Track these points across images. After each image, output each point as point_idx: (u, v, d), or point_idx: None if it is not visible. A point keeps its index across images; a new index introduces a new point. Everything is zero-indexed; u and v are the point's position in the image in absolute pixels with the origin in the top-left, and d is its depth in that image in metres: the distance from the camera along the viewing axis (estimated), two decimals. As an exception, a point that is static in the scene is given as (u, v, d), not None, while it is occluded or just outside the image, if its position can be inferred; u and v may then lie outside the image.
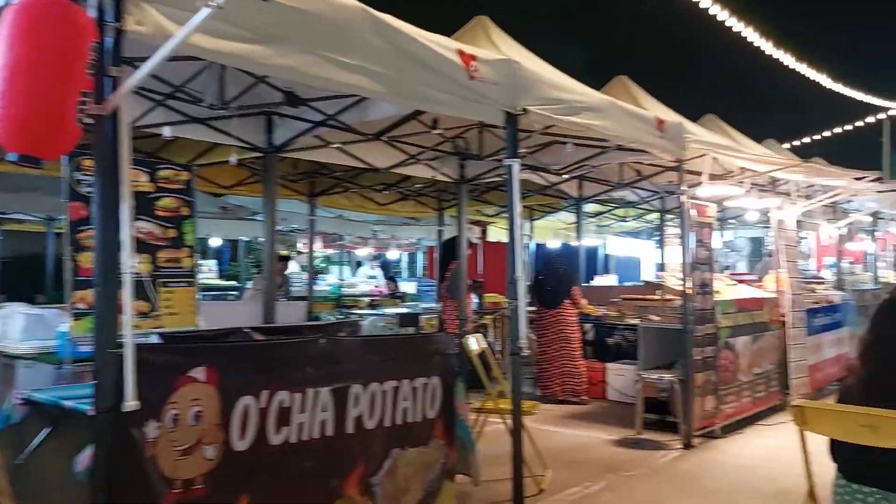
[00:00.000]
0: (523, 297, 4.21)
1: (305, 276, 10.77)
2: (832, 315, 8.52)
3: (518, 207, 4.28)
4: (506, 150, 4.41)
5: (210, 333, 3.82)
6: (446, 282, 8.62)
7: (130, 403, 2.52)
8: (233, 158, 4.87)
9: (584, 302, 8.06)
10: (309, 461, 3.27)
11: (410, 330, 8.79)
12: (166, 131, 4.80)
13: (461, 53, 3.89)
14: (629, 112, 5.26)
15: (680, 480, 5.09)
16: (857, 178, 7.42)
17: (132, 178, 2.70)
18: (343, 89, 3.71)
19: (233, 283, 13.70)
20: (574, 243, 10.83)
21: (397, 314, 9.36)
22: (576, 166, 7.18)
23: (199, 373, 2.85)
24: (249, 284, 10.75)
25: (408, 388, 3.75)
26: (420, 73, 3.67)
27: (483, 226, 12.70)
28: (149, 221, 4.36)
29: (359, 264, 17.57)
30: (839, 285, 9.49)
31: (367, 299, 12.09)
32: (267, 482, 3.11)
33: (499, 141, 6.37)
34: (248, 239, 12.95)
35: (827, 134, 20.64)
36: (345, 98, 4.87)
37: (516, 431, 4.29)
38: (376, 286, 14.14)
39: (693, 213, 5.99)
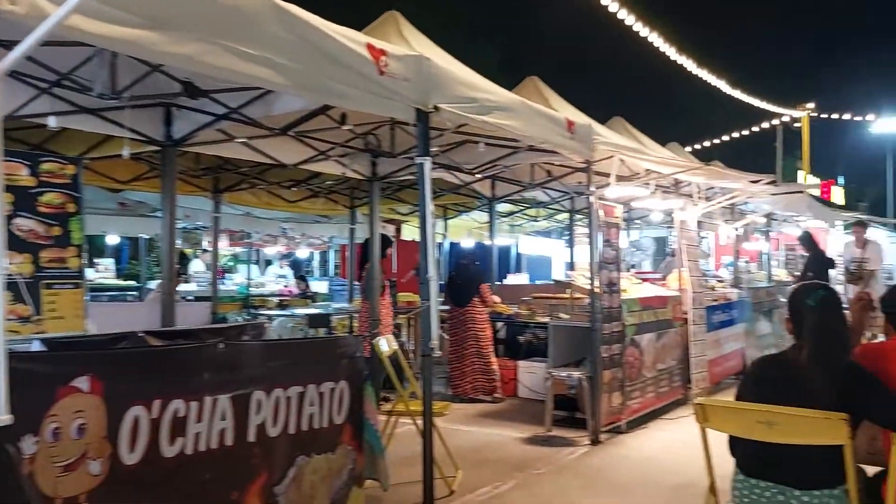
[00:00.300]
0: (435, 298, 4.15)
1: (210, 275, 10.35)
2: (730, 312, 8.90)
3: (430, 206, 4.21)
4: (416, 147, 4.33)
5: (99, 339, 3.56)
6: (363, 281, 8.47)
7: (3, 417, 2.29)
8: (125, 152, 4.57)
9: (494, 299, 8.09)
10: (207, 473, 3.10)
11: (322, 331, 8.59)
12: (51, 121, 4.44)
13: (371, 48, 3.79)
14: (540, 113, 5.29)
15: (587, 476, 5.17)
16: (753, 181, 7.77)
17: (10, 172, 2.46)
18: (246, 81, 3.53)
19: (132, 283, 13.04)
20: (487, 242, 10.90)
21: (307, 315, 9.13)
22: (488, 166, 7.19)
23: (82, 382, 2.64)
24: (153, 284, 10.25)
25: (314, 394, 3.62)
26: (328, 66, 3.54)
27: (397, 224, 12.60)
28: (30, 218, 4.04)
29: (268, 263, 17.10)
30: (736, 283, 9.93)
31: (276, 299, 11.74)
32: (160, 497, 2.92)
33: (411, 138, 6.27)
34: (148, 236, 12.35)
35: (725, 138, 21.73)
36: (249, 91, 4.66)
37: (427, 433, 4.22)
38: (286, 286, 13.78)
39: (601, 213, 6.10)
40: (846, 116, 25.28)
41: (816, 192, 12.69)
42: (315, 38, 3.44)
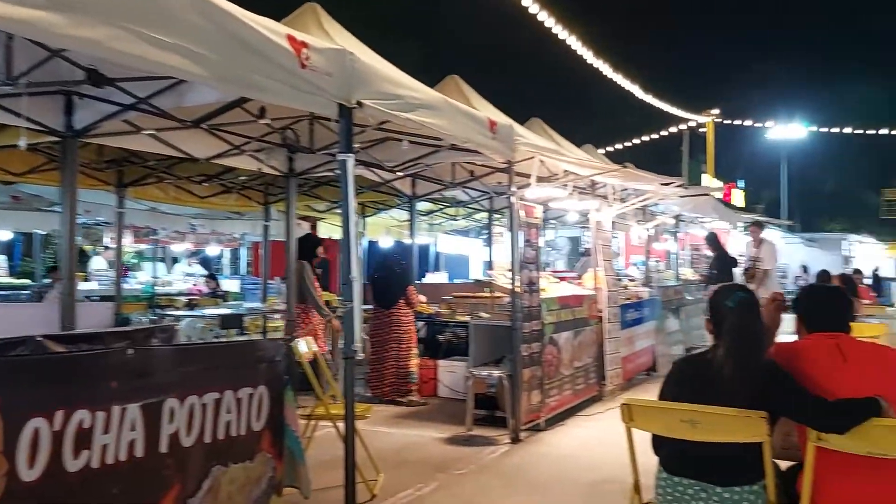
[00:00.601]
0: (359, 299, 4.04)
1: (114, 273, 9.83)
2: (641, 310, 9.19)
3: (353, 204, 4.11)
4: (339, 144, 4.21)
5: (-9, 344, 3.28)
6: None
7: None
8: (22, 142, 4.22)
9: (420, 300, 8.02)
10: (114, 487, 2.88)
11: (233, 332, 8.29)
12: (-63, 108, 4.07)
13: (292, 39, 3.64)
14: (463, 112, 5.26)
15: (508, 475, 5.19)
16: (665, 184, 8.03)
17: None
18: (160, 70, 3.31)
19: (26, 281, 12.24)
20: (407, 241, 10.84)
21: (219, 315, 8.80)
22: (410, 164, 7.12)
23: (-27, 394, 2.40)
24: (57, 285, 9.62)
25: (231, 400, 3.45)
26: (246, 57, 3.38)
27: (312, 221, 12.35)
28: None
29: (175, 261, 16.43)
30: (647, 282, 10.26)
31: (184, 299, 11.30)
32: (63, 515, 2.70)
33: (331, 134, 6.15)
34: (44, 232, 11.61)
35: (636, 141, 22.50)
36: (159, 80, 4.41)
37: (349, 437, 4.12)
38: (195, 284, 13.28)
39: (522, 213, 6.15)
40: (747, 123, 26.67)
41: (720, 195, 13.27)
42: (234, 28, 3.27)
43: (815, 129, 29.39)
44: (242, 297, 12.20)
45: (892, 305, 13.84)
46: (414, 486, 4.87)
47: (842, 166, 40.76)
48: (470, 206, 11.21)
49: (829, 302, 3.00)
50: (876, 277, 21.74)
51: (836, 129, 27.75)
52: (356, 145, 5.82)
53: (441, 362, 7.88)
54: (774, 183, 34.89)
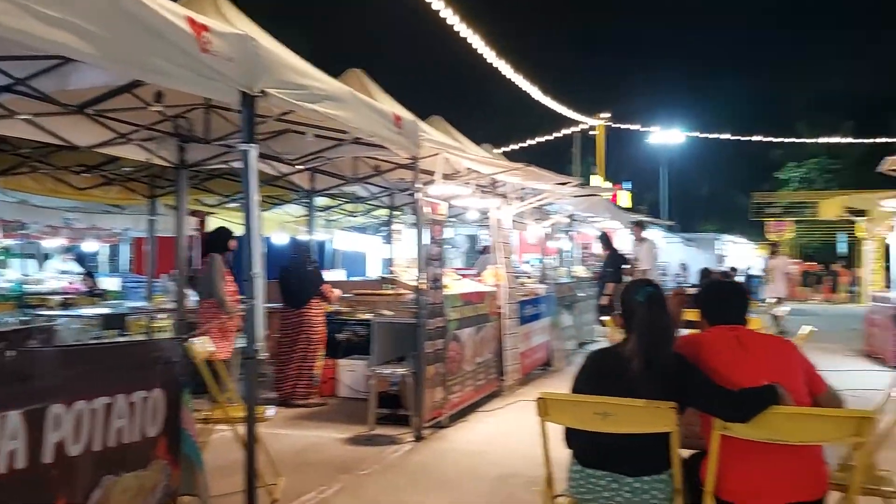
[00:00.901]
0: (261, 295, 3.87)
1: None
2: (538, 306, 9.39)
3: (255, 197, 3.93)
4: (239, 133, 4.02)
5: None
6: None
7: None
8: None
9: (336, 294, 7.80)
10: (-8, 503, 2.62)
11: (115, 332, 7.79)
12: None
13: (192, 22, 3.44)
14: (369, 105, 5.17)
15: (413, 473, 5.15)
16: (562, 184, 8.24)
17: None
18: (44, 47, 3.02)
19: None
20: (303, 237, 10.56)
21: (99, 315, 8.23)
22: (310, 157, 6.93)
23: None
24: None
25: (124, 404, 3.21)
26: (143, 37, 3.15)
27: (201, 217, 11.82)
28: None
29: (47, 257, 15.28)
30: (543, 279, 10.50)
31: (57, 297, 10.50)
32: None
33: (226, 124, 5.88)
34: None
35: (532, 142, 23.04)
36: (39, 60, 4.07)
37: (250, 441, 3.94)
38: (70, 282, 12.38)
39: (427, 210, 6.12)
40: (634, 127, 27.95)
41: (609, 196, 13.79)
42: (129, 6, 3.04)
43: (692, 134, 31.13)
44: (123, 296, 11.47)
45: (763, 301, 14.85)
46: (316, 489, 4.74)
47: (716, 170, 43.53)
48: (370, 202, 11.07)
49: (729, 297, 3.15)
50: (748, 276, 23.32)
51: (711, 136, 29.47)
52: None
53: (341, 361, 7.72)
54: (656, 185, 36.78)
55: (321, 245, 13.06)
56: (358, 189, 9.67)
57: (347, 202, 10.65)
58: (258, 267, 3.90)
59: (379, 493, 4.74)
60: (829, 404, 2.83)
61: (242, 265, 3.99)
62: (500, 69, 15.08)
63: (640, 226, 11.36)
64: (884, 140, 25.56)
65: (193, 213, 11.01)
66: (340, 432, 6.24)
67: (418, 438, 5.97)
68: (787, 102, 41.14)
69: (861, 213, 11.48)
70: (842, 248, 30.78)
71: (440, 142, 6.28)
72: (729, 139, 29.06)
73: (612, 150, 31.99)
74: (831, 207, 10.62)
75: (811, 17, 51.43)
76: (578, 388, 2.99)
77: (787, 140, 31.41)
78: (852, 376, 9.21)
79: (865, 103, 37.57)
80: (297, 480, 4.87)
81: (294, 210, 11.76)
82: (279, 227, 12.44)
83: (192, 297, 8.71)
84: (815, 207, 27.12)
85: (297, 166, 7.27)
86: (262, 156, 6.79)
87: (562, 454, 3.03)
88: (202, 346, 4.68)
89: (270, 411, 4.75)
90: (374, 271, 13.82)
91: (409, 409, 6.23)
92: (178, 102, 5.54)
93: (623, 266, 11.15)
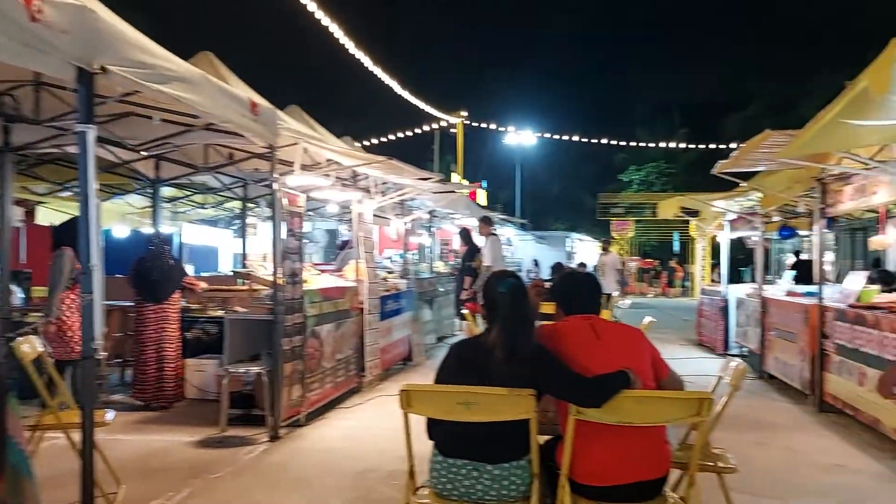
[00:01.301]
0: (100, 289, 3.56)
1: None
2: (399, 301, 9.40)
3: (93, 184, 3.60)
4: (74, 114, 3.67)
5: None
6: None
7: None
8: None
9: (202, 286, 7.34)
10: None
11: None
12: None
13: (20, -15, 3.09)
14: (223, 90, 4.90)
15: (269, 474, 4.96)
16: (424, 178, 8.27)
17: None
18: None
19: None
20: (146, 230, 9.92)
21: None
22: (156, 143, 6.48)
23: None
24: None
25: (-66, 412, 2.83)
26: (-41, 0, 2.80)
27: (28, 206, 10.79)
28: None
29: None
30: (404, 274, 10.52)
31: None
32: None
33: (60, 104, 5.37)
34: None
35: (392, 137, 23.01)
36: None
37: (86, 447, 3.62)
38: None
39: (285, 202, 5.92)
40: (491, 126, 28.72)
41: (468, 192, 14.04)
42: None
43: (543, 136, 32.48)
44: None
45: (609, 295, 15.71)
46: (164, 496, 4.45)
47: (566, 172, 45.76)
48: (221, 193, 10.57)
49: (583, 287, 3.27)
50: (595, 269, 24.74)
51: (560, 137, 30.90)
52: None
53: (189, 361, 7.29)
54: (511, 185, 38.07)
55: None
56: (209, 179, 9.20)
57: (197, 193, 10.08)
58: (96, 259, 3.59)
59: (232, 497, 4.52)
60: (672, 387, 3.02)
61: (80, 258, 3.66)
62: (360, 61, 14.89)
63: (486, 222, 11.26)
64: (714, 146, 27.97)
65: (19, 203, 10.03)
66: (190, 435, 5.91)
67: (274, 438, 5.77)
68: (630, 109, 44.01)
69: (695, 213, 12.47)
70: (676, 246, 33.34)
71: (299, 131, 6.08)
72: (578, 142, 30.60)
73: (470, 150, 32.73)
74: (669, 207, 11.45)
75: (651, 29, 55.29)
76: (442, 379, 2.99)
77: (628, 144, 33.54)
78: (687, 363, 9.99)
79: (697, 112, 40.95)
80: (141, 488, 4.55)
81: (136, 200, 11.02)
82: (120, 218, 11.62)
83: (18, 295, 7.93)
84: (654, 208, 29.23)
85: (141, 153, 6.78)
86: (102, 140, 6.29)
87: (424, 447, 3.03)
88: (30, 346, 4.26)
89: (109, 415, 4.40)
90: (226, 267, 13.23)
91: (264, 409, 6.00)
92: (2, 78, 5.00)
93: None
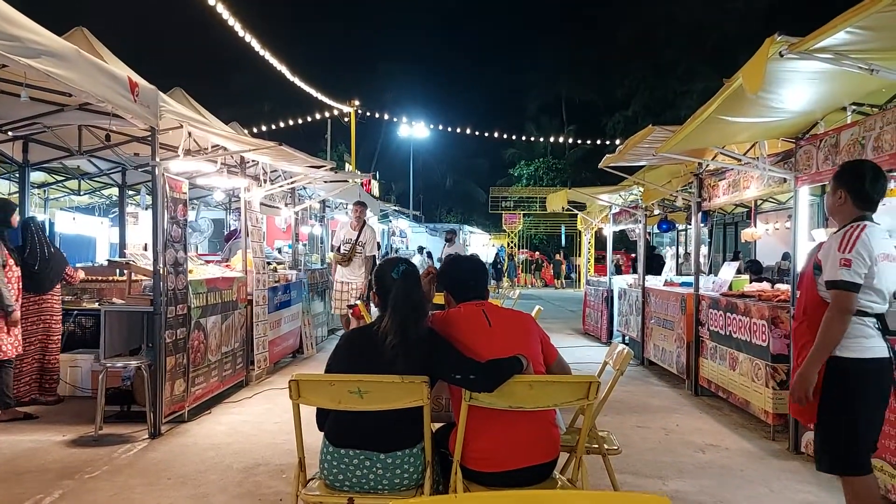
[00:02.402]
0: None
1: None
2: (289, 293, 9.19)
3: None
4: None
5: None
6: None
7: None
8: None
9: (80, 276, 6.85)
10: None
11: None
12: None
13: None
14: (99, 67, 4.60)
15: (149, 472, 4.72)
16: (315, 167, 8.09)
17: None
18: None
19: None
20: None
21: None
22: (24, 123, 6.02)
23: None
24: None
25: None
26: None
27: None
28: None
29: None
30: (295, 265, 10.29)
31: None
32: None
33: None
34: None
35: (282, 125, 22.36)
36: None
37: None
38: None
39: (168, 188, 5.63)
40: (385, 116, 28.56)
41: (362, 181, 13.87)
42: None
43: (436, 128, 32.58)
44: None
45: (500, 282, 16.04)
46: (32, 499, 4.14)
47: (459, 166, 46.30)
48: (97, 179, 9.96)
49: (471, 274, 3.28)
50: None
51: (453, 130, 31.14)
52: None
53: (63, 356, 6.83)
54: (404, 178, 38.10)
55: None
56: (84, 163, 8.64)
57: (70, 178, 9.45)
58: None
59: (108, 497, 4.26)
60: (560, 372, 3.11)
61: None
62: (248, 44, 14.34)
63: (362, 206, 10.54)
64: (599, 142, 29.11)
65: None
66: (61, 434, 5.54)
67: (155, 435, 5.50)
68: (521, 107, 45.01)
69: (582, 206, 12.92)
70: (563, 240, 34.50)
71: (184, 114, 5.80)
72: (471, 135, 30.96)
73: (363, 142, 32.51)
74: (557, 200, 11.80)
75: (541, 28, 56.67)
76: (333, 368, 2.93)
77: (519, 137, 34.31)
78: (574, 351, 10.37)
79: (583, 110, 42.49)
80: (8, 491, 4.23)
81: (2, 186, 10.22)
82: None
83: None
84: (543, 202, 30.08)
85: (7, 133, 6.27)
86: (-40, 118, 5.80)
87: (314, 439, 2.97)
88: None
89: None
90: (103, 258, 12.47)
91: (143, 405, 5.71)
92: None
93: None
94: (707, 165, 7.02)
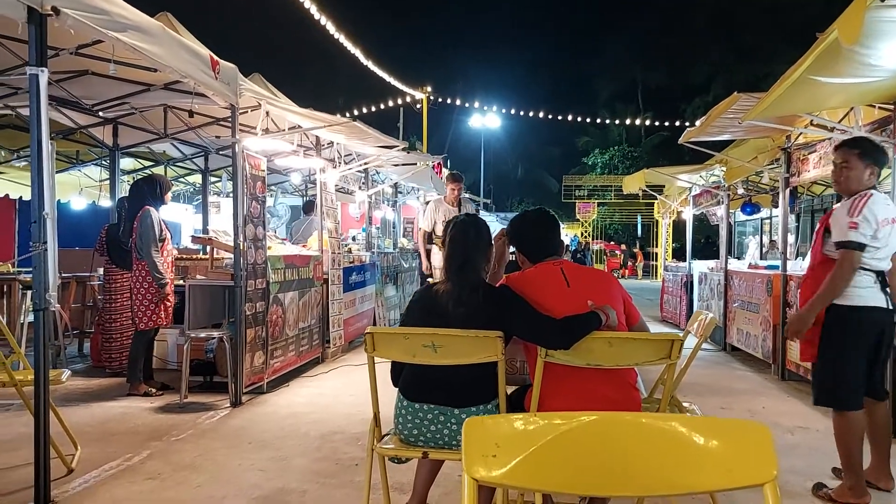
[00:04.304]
0: (53, 240, 3.42)
1: None
2: (363, 274, 9.30)
3: (46, 125, 3.45)
4: (28, 57, 3.50)
5: None
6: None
7: None
8: None
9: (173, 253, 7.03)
10: None
11: None
12: None
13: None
14: (182, 43, 4.73)
15: (231, 436, 4.86)
16: (388, 146, 8.14)
17: None
18: None
19: None
20: (104, 203, 9.61)
21: None
22: (114, 103, 6.27)
23: None
24: None
25: None
26: None
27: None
28: None
29: None
30: (369, 248, 10.41)
31: None
32: None
33: (11, 57, 5.15)
34: None
35: (356, 112, 22.65)
36: None
37: (40, 404, 3.49)
38: None
39: (247, 165, 5.76)
40: (457, 102, 28.56)
41: (434, 164, 13.85)
42: None
43: (509, 112, 32.23)
44: None
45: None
46: (122, 457, 4.32)
47: (530, 154, 45.88)
48: (181, 164, 10.31)
49: (542, 231, 3.18)
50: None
51: (525, 114, 30.75)
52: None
53: (150, 331, 7.12)
54: (474, 166, 38.04)
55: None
56: (168, 148, 8.96)
57: (156, 165, 9.82)
58: (50, 206, 3.44)
59: (192, 457, 4.40)
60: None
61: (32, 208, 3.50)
62: (324, 28, 14.51)
63: (458, 179, 10.03)
64: (678, 124, 28.20)
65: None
66: (149, 402, 5.78)
67: (236, 404, 5.66)
68: (595, 93, 44.20)
69: (660, 190, 12.57)
70: (640, 229, 33.77)
71: (262, 93, 5.93)
72: (542, 125, 30.62)
73: (434, 131, 32.55)
74: (634, 182, 11.50)
75: (617, 13, 55.40)
76: (407, 323, 2.93)
77: (593, 121, 33.59)
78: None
79: (660, 95, 41.33)
80: (99, 450, 4.44)
81: (94, 173, 10.71)
82: (76, 190, 11.29)
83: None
84: (618, 190, 29.48)
85: (98, 114, 6.55)
86: (57, 100, 6.09)
87: (389, 398, 2.97)
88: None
89: (65, 374, 4.25)
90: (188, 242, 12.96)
91: (225, 376, 5.88)
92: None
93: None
94: (797, 137, 6.68)
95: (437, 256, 7.99)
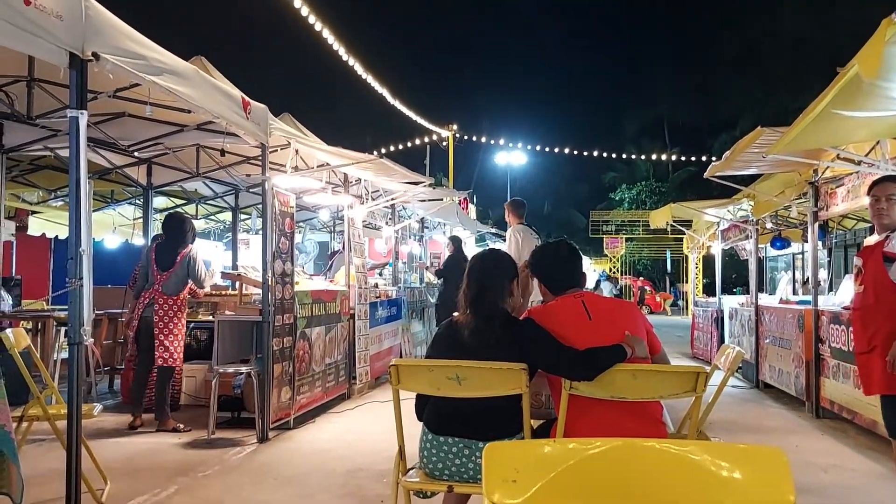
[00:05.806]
0: (89, 274, 3.52)
1: None
2: (389, 308, 9.34)
3: (84, 165, 3.57)
4: (68, 109, 3.64)
5: None
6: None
7: None
8: None
9: (203, 290, 6.98)
10: None
11: None
12: None
13: (13, -32, 3.09)
14: (215, 85, 4.91)
15: (257, 472, 4.88)
16: (413, 183, 8.26)
17: None
18: None
19: None
20: (138, 241, 9.85)
21: None
22: (148, 144, 6.47)
23: None
24: None
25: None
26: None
27: (21, 221, 10.73)
28: None
29: None
30: (395, 282, 10.46)
31: None
32: None
33: (52, 101, 5.37)
34: None
35: (383, 150, 22.99)
36: None
37: (73, 438, 3.55)
38: None
39: (276, 202, 5.89)
40: (483, 139, 28.82)
41: (459, 199, 13.95)
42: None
43: (535, 148, 32.35)
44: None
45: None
46: (151, 492, 4.36)
47: (556, 191, 45.91)
48: (212, 202, 10.53)
49: (565, 263, 3.20)
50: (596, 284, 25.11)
51: (553, 150, 30.83)
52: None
53: (179, 366, 7.21)
54: (500, 203, 38.20)
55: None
56: (200, 186, 9.17)
57: (187, 202, 10.05)
58: (86, 243, 3.55)
59: (219, 493, 4.43)
60: (662, 363, 2.99)
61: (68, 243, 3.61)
62: (352, 67, 14.82)
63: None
64: (704, 158, 28.05)
65: (10, 217, 10.00)
66: (177, 438, 5.83)
67: (263, 440, 5.69)
68: (621, 130, 44.28)
69: (688, 225, 12.52)
70: (669, 265, 33.42)
71: (291, 132, 6.08)
72: (569, 162, 30.66)
73: (461, 169, 32.87)
74: (661, 216, 11.48)
75: (642, 48, 55.66)
76: (432, 356, 2.95)
77: (620, 157, 33.57)
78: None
79: (687, 131, 41.28)
80: (127, 485, 4.48)
81: (128, 212, 11.00)
82: (111, 229, 11.58)
83: (7, 301, 7.86)
84: (646, 225, 29.31)
85: (133, 154, 6.76)
86: (94, 142, 6.31)
87: (415, 431, 2.98)
88: (15, 336, 4.20)
89: (97, 408, 4.32)
90: (217, 277, 13.16)
91: (252, 411, 5.92)
92: (-3, 73, 4.99)
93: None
94: (824, 171, 6.63)
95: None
